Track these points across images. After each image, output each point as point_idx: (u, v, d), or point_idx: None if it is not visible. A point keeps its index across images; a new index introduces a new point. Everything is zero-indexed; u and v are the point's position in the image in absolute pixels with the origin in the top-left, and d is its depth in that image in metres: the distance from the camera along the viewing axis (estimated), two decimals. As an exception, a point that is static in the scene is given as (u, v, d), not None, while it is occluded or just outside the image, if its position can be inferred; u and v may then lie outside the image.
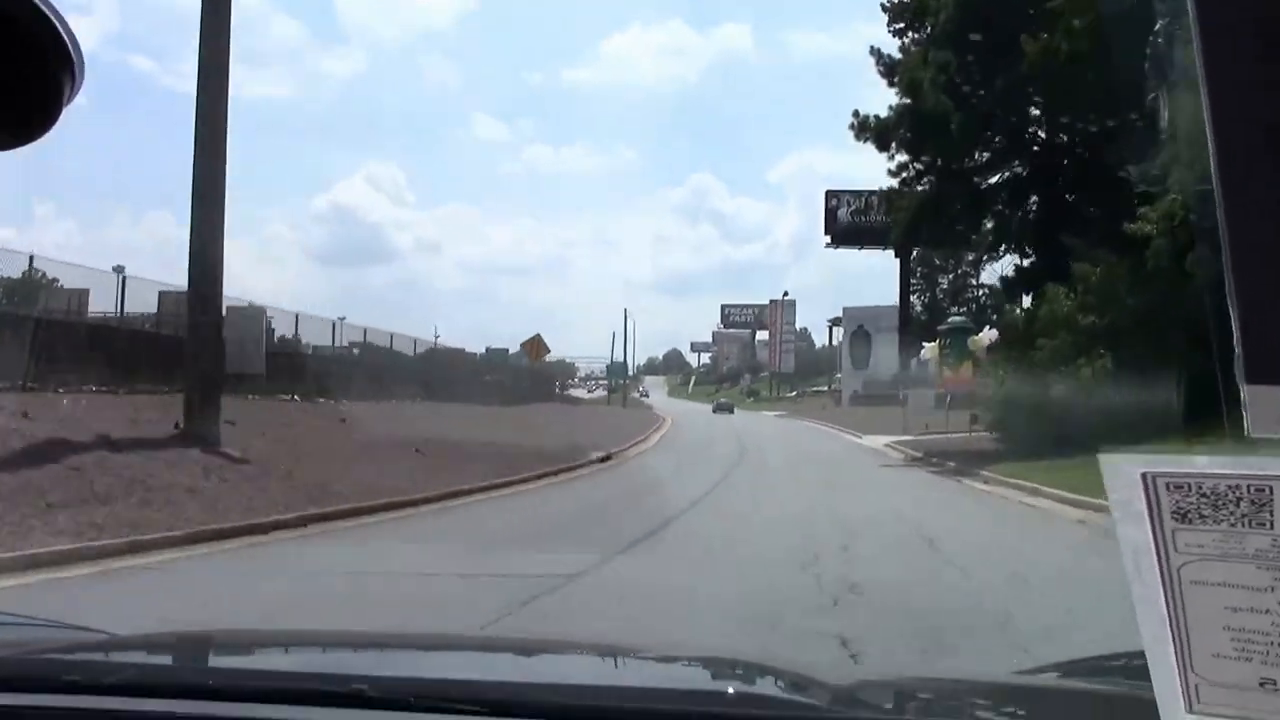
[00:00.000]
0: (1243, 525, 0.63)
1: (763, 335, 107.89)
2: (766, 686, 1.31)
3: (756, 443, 31.26)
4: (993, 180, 31.14)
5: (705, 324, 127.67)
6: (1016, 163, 30.46)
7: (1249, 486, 0.62)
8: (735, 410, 71.56)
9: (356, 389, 24.48)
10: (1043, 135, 30.11)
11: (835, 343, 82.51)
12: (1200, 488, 0.63)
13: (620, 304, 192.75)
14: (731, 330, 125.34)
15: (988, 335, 49.78)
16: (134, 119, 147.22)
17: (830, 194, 73.01)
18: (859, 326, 72.97)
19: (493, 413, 28.67)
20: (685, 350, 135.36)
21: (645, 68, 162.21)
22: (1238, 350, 0.57)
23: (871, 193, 75.77)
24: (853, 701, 1.19)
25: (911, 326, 74.10)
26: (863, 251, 77.87)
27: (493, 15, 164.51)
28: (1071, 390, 19.28)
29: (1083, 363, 20.16)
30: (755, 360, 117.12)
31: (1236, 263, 0.55)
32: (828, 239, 73.22)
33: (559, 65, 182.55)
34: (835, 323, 78.42)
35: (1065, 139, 29.11)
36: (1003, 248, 32.06)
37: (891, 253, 76.59)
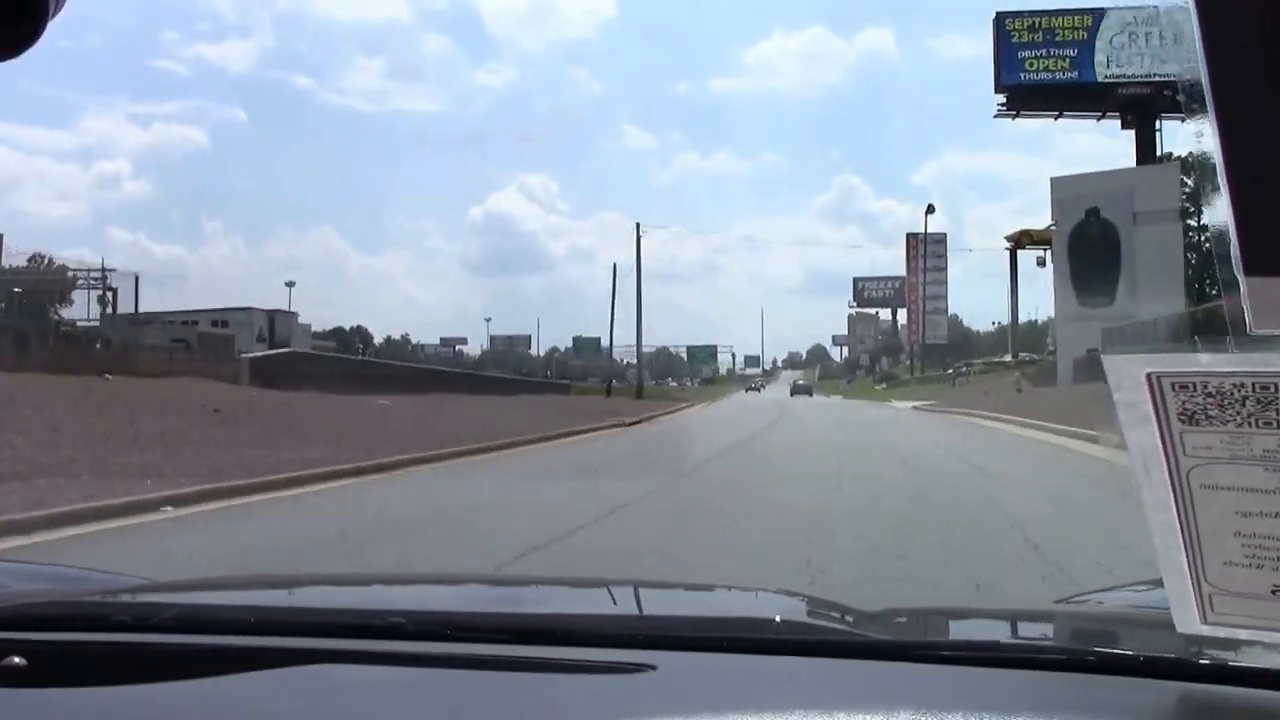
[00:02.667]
0: (1250, 425, 0.60)
1: (905, 318, 78.54)
2: (809, 614, 1.27)
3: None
4: None
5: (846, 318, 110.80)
6: None
7: (1254, 385, 0.59)
8: (814, 393, 55.92)
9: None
10: None
11: (1001, 316, 52.65)
12: (1205, 387, 0.60)
13: (767, 306, 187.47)
14: (867, 310, 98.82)
15: None
16: (293, 135, 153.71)
17: (1005, 17, 43.02)
18: (1089, 215, 37.24)
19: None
20: (828, 344, 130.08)
21: (789, 74, 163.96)
22: (1233, 239, 0.53)
23: (1088, 11, 45.50)
24: (893, 628, 1.18)
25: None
26: (1061, 122, 47.72)
27: (636, 27, 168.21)
28: None
29: None
30: (895, 340, 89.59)
31: (1229, 137, 0.51)
32: (1000, 100, 43.78)
33: (705, 75, 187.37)
34: (1021, 241, 48.40)
35: None
36: None
37: (1117, 122, 46.45)
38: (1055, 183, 39.89)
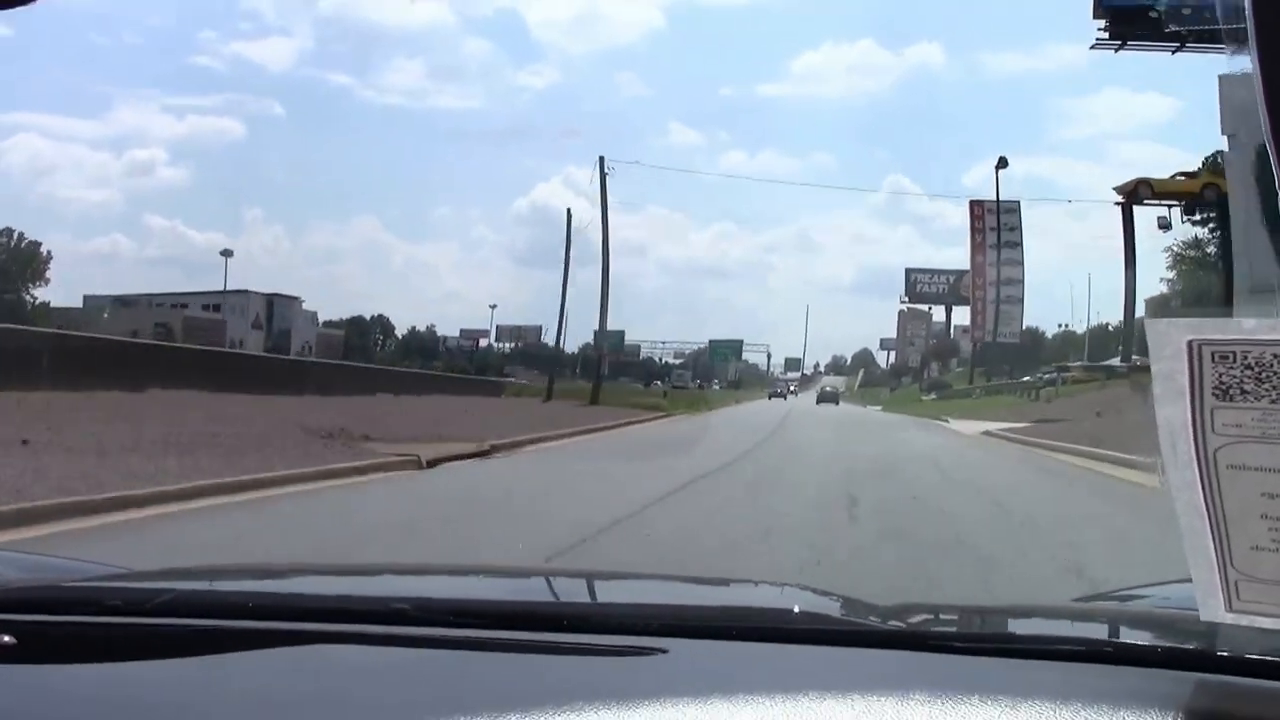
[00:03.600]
0: None
1: (961, 319, 66.85)
2: (826, 606, 1.28)
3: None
4: None
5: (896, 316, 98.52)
6: None
7: None
8: (840, 402, 49.64)
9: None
10: None
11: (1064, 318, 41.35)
12: (1245, 358, 0.58)
13: (818, 307, 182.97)
14: (919, 306, 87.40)
15: None
16: (335, 130, 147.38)
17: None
18: None
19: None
20: (876, 349, 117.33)
21: (837, 83, 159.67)
22: None
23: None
24: (906, 622, 1.18)
25: None
26: (1179, 55, 36.41)
27: (682, 36, 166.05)
28: None
29: None
30: (947, 343, 78.55)
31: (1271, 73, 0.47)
32: (1100, 26, 32.88)
33: (751, 81, 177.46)
34: (1138, 193, 37.36)
35: None
36: None
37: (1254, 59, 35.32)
38: (1226, 81, 27.75)
